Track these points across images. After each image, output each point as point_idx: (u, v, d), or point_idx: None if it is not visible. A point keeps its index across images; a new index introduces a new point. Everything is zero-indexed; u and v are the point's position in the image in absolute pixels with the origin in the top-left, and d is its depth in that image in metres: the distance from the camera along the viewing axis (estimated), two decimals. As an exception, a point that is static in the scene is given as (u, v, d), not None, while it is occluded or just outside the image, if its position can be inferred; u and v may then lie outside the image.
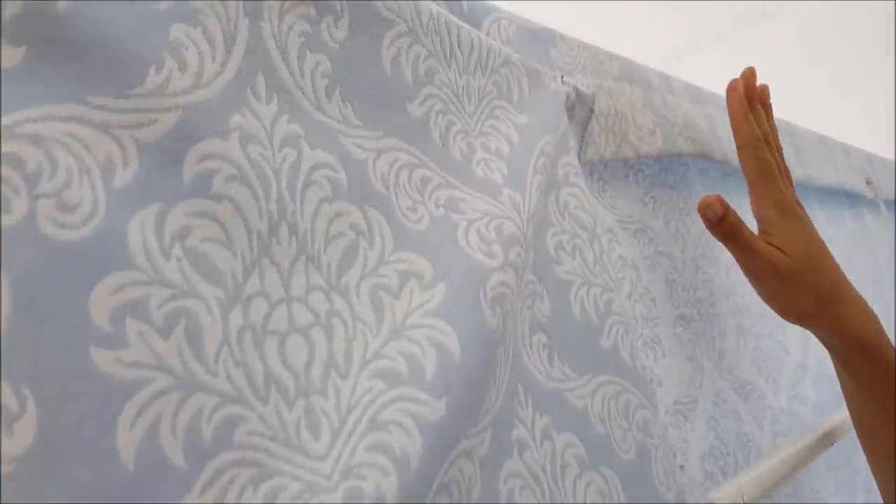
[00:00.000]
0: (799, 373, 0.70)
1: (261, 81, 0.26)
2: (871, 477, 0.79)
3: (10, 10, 0.20)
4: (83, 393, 0.19)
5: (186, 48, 0.24)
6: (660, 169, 0.59)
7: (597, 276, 0.40)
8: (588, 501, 0.33)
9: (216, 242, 0.23)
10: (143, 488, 0.19)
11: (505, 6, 0.42)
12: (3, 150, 0.19)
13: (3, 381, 0.18)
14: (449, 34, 0.35)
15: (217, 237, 0.23)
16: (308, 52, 0.28)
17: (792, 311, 0.53)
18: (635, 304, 0.51)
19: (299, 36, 0.28)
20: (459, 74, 0.36)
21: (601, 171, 0.52)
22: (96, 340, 0.20)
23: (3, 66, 0.20)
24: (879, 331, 0.52)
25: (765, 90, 0.58)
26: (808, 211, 0.86)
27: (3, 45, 0.20)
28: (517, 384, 0.33)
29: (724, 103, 0.54)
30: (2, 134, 0.19)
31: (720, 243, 0.50)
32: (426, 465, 0.25)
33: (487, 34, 0.41)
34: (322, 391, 0.24)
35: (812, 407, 0.70)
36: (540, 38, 0.44)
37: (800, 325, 0.54)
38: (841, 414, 0.67)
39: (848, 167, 0.90)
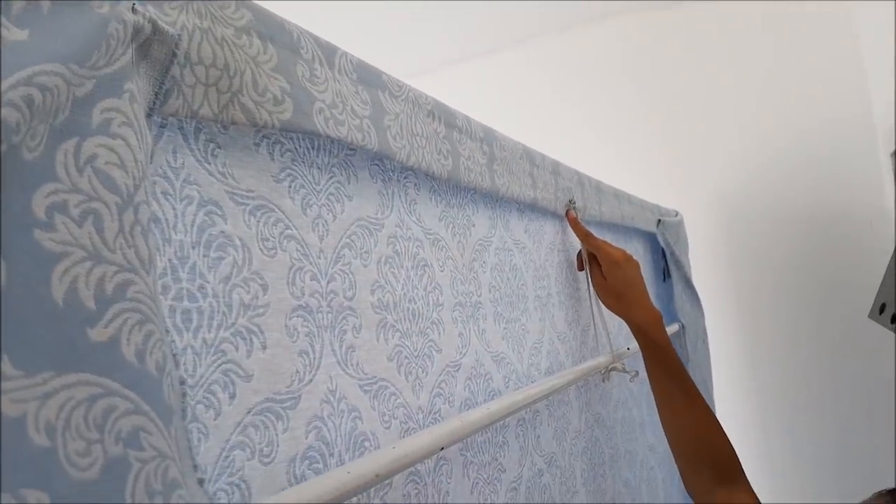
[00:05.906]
0: (450, 371, 0.66)
1: None
2: (521, 472, 0.79)
3: None
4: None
5: None
6: (309, 147, 0.50)
7: (115, 251, 0.30)
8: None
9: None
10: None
11: None
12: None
13: None
14: None
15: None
16: None
17: (607, 301, 0.96)
18: (234, 290, 0.42)
19: None
20: None
21: (213, 133, 0.42)
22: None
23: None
24: (658, 324, 0.89)
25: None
26: (507, 218, 0.84)
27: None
28: None
29: (415, 94, 0.59)
30: None
31: (379, 238, 0.58)
32: None
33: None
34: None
35: (459, 406, 0.67)
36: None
37: (613, 311, 0.96)
38: (481, 411, 0.64)
39: (551, 185, 0.90)
